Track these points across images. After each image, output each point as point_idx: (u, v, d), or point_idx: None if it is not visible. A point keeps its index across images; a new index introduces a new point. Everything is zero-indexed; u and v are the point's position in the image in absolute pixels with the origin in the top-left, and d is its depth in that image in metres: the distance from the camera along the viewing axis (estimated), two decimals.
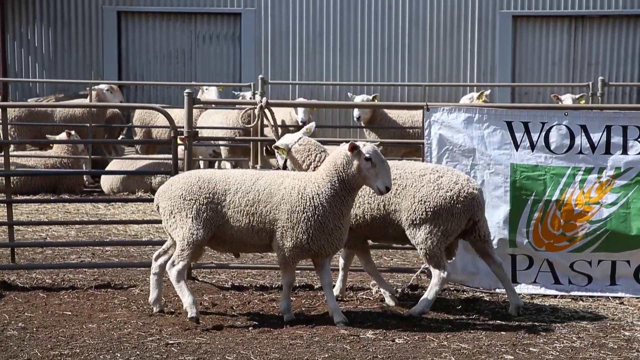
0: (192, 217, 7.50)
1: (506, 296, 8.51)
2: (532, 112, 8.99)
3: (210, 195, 7.53)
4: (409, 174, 7.96)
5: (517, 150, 8.84)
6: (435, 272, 7.89)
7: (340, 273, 8.56)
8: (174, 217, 7.58)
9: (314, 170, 7.92)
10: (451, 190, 7.84)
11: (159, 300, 7.95)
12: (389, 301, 8.29)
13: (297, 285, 8.92)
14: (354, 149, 7.31)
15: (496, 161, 8.82)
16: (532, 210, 8.76)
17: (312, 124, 8.73)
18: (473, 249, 8.28)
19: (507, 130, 8.85)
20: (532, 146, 8.83)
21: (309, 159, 8.00)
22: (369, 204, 7.99)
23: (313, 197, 7.37)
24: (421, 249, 7.87)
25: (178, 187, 7.63)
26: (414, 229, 7.86)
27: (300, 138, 8.11)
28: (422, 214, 7.81)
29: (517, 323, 7.77)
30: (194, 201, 7.53)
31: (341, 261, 8.54)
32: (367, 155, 7.29)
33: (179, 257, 7.55)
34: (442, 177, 7.92)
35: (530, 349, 7.02)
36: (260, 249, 7.92)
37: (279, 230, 7.44)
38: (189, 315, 7.44)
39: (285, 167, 8.16)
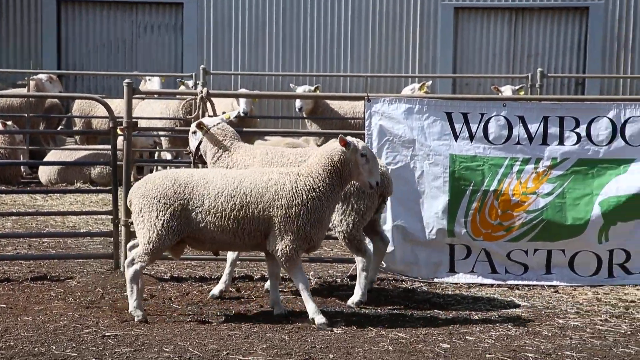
0: (164, 220, 7.23)
1: (443, 285, 8.74)
2: (472, 103, 9.07)
3: (186, 201, 7.25)
4: None
5: (456, 141, 8.91)
6: (358, 259, 7.95)
7: (228, 268, 8.34)
8: (142, 216, 7.30)
9: (221, 154, 8.05)
10: None
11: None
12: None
13: (237, 276, 8.89)
14: (347, 144, 7.26)
15: (435, 152, 8.88)
16: (471, 200, 8.83)
17: (234, 112, 8.78)
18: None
19: (447, 121, 8.91)
20: (471, 137, 8.90)
21: (224, 143, 8.13)
22: None
23: (309, 191, 7.22)
24: (339, 232, 7.93)
25: (153, 187, 7.30)
26: None
27: (219, 122, 8.26)
28: None
29: (454, 312, 7.85)
30: (168, 205, 7.22)
31: (230, 256, 8.32)
32: (363, 152, 7.28)
33: (139, 258, 7.32)
34: None
35: (467, 337, 7.09)
36: (248, 248, 7.67)
37: (277, 227, 7.21)
38: (136, 320, 7.31)
39: (197, 150, 8.25)
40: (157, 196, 7.27)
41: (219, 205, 7.22)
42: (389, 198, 8.31)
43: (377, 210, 8.14)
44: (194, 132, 8.29)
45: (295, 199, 7.21)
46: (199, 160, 8.36)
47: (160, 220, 7.25)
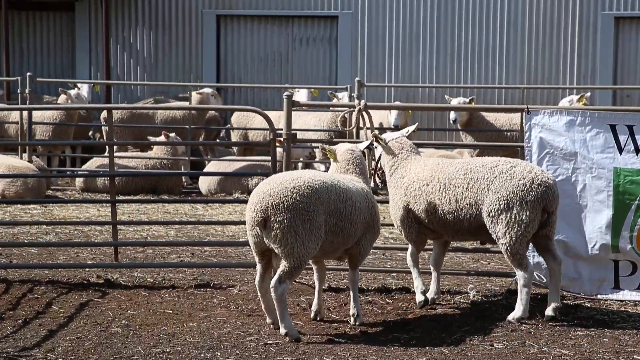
0: (318, 229, 7.08)
1: (607, 302, 8.44)
2: (637, 115, 8.77)
3: (324, 205, 7.14)
4: (480, 167, 7.94)
5: (620, 154, 8.64)
6: (519, 274, 7.78)
7: (434, 274, 8.49)
8: (294, 231, 6.96)
9: (398, 165, 8.30)
10: (524, 178, 7.75)
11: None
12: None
13: (394, 287, 8.89)
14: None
15: (599, 165, 8.64)
16: (636, 215, 8.54)
17: (413, 127, 8.80)
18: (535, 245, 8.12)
19: (611, 134, 8.65)
20: (637, 150, 8.61)
21: (400, 155, 8.32)
22: (439, 199, 8.00)
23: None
24: (502, 244, 7.78)
25: (295, 197, 7.00)
26: (493, 224, 7.77)
27: (398, 137, 8.46)
28: (495, 205, 7.73)
29: (620, 330, 7.59)
30: (315, 212, 7.04)
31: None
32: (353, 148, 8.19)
33: (287, 275, 7.04)
34: (514, 167, 7.85)
35: (635, 356, 6.85)
36: (332, 256, 7.81)
37: (367, 233, 7.68)
38: (289, 339, 7.13)
39: (377, 162, 8.53)
40: (304, 207, 7.02)
41: (347, 208, 7.36)
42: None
43: (544, 225, 7.94)
44: (375, 147, 8.52)
45: (374, 206, 7.81)
46: (380, 176, 8.62)
47: (314, 230, 7.07)
